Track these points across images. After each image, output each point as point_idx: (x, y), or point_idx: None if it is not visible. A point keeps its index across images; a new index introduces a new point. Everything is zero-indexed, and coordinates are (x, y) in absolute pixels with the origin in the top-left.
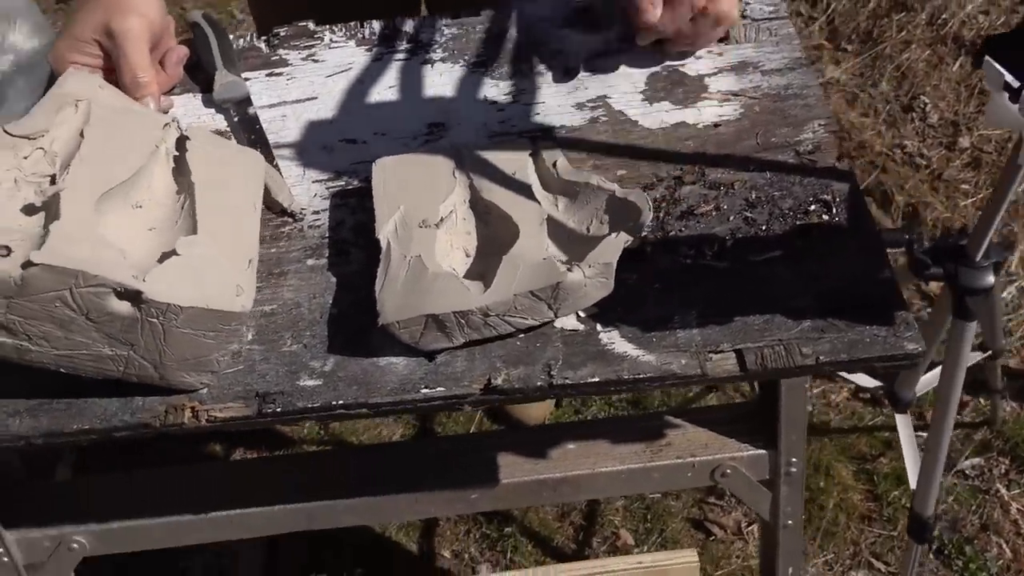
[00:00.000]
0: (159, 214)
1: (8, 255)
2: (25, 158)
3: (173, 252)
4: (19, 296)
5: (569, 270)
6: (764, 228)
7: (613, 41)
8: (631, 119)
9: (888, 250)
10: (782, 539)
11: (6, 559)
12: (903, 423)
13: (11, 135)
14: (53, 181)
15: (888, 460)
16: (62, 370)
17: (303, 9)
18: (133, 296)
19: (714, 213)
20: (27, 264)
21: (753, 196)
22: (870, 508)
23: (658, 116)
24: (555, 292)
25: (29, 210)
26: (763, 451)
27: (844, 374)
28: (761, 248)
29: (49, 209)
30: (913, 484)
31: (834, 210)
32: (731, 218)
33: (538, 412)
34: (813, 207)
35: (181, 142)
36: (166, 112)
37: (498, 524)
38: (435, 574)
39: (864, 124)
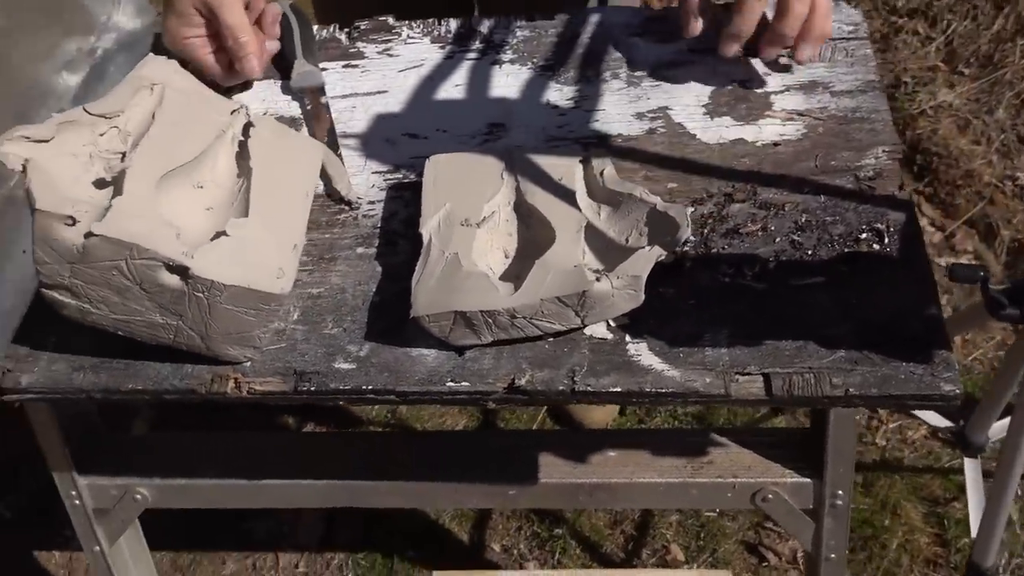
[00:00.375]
0: (218, 195)
1: (73, 224)
2: (101, 135)
3: (224, 232)
4: (81, 263)
5: (598, 279)
6: (810, 252)
7: (684, 52)
8: (689, 132)
9: (965, 285)
10: (824, 573)
11: (77, 502)
12: (971, 468)
13: (90, 113)
14: (123, 159)
15: (961, 505)
16: (119, 333)
17: (359, 5)
18: (181, 271)
19: (760, 233)
20: (88, 234)
21: (803, 219)
22: (937, 553)
23: (717, 131)
24: (582, 300)
25: (99, 184)
26: (808, 480)
27: (916, 412)
28: (804, 272)
29: (116, 184)
30: (974, 532)
31: (886, 240)
32: (777, 240)
33: (600, 417)
34: (864, 235)
35: (247, 128)
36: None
37: (549, 524)
38: (483, 565)
39: (975, 152)
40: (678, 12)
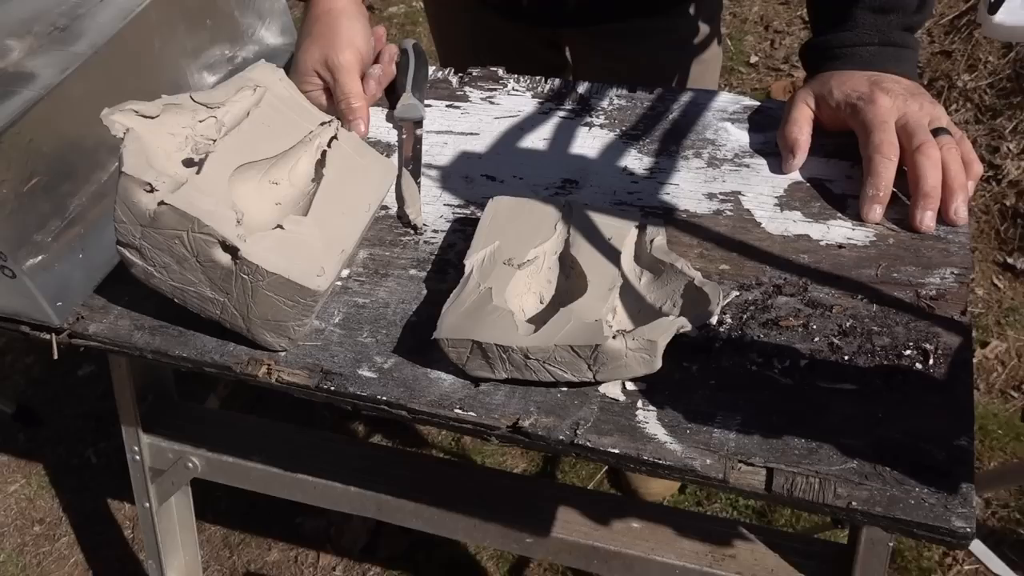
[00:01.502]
0: (289, 193)
1: (151, 192)
2: (200, 121)
3: (281, 226)
4: (150, 227)
5: (613, 337)
6: (847, 359)
7: (770, 144)
8: (755, 220)
9: None
10: None
11: (137, 458)
12: None
13: (194, 101)
14: (213, 145)
15: None
16: (175, 300)
17: (462, 51)
18: (232, 251)
19: (800, 329)
20: (160, 203)
21: (848, 324)
22: None
23: (784, 224)
24: (595, 353)
25: (187, 163)
26: None
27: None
28: (835, 376)
29: (199, 165)
30: None
31: (931, 361)
32: (816, 339)
33: (659, 490)
34: (909, 352)
35: (331, 140)
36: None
37: None
38: None
39: None
40: (776, 108)
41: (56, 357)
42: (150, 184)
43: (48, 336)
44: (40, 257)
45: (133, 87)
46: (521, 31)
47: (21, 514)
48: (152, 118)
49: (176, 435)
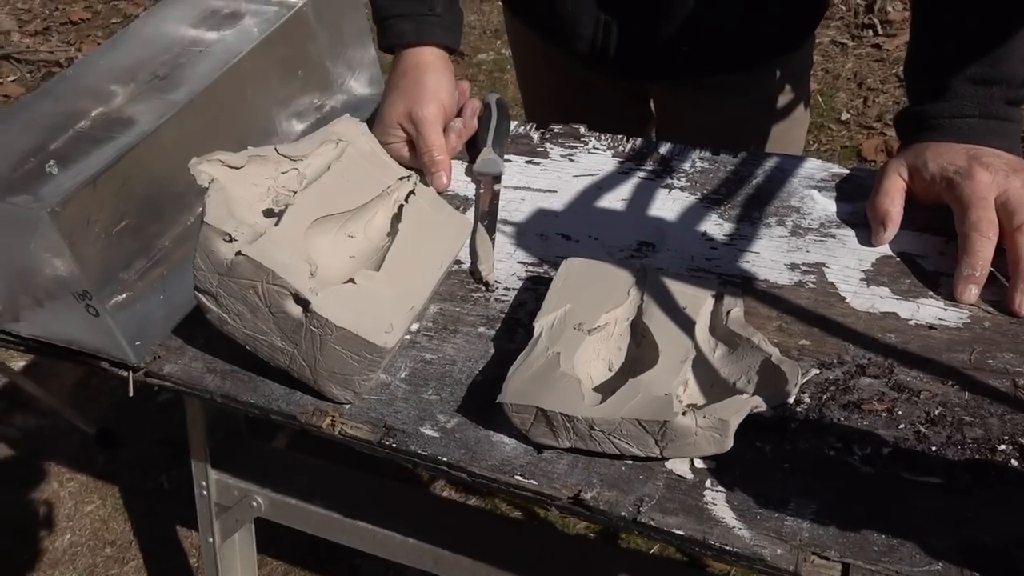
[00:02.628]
0: (364, 247)
1: (230, 241)
2: (283, 173)
3: (352, 280)
4: (227, 276)
5: (683, 413)
6: (934, 449)
7: (859, 215)
8: (840, 294)
9: None
10: None
11: (204, 492)
12: None
13: (279, 153)
14: (293, 197)
15: None
16: (247, 347)
17: (546, 98)
18: (304, 303)
19: (884, 415)
20: (238, 253)
21: (937, 412)
22: None
23: (870, 300)
24: (663, 429)
25: (267, 214)
26: None
27: None
28: (920, 468)
29: (278, 217)
30: None
31: None
32: (901, 426)
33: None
34: (1003, 447)
35: (408, 195)
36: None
37: None
38: None
39: None
40: (866, 176)
41: (132, 395)
42: (229, 234)
43: (125, 373)
44: (123, 296)
45: (224, 134)
46: (607, 82)
47: (95, 535)
48: (237, 168)
49: (243, 473)
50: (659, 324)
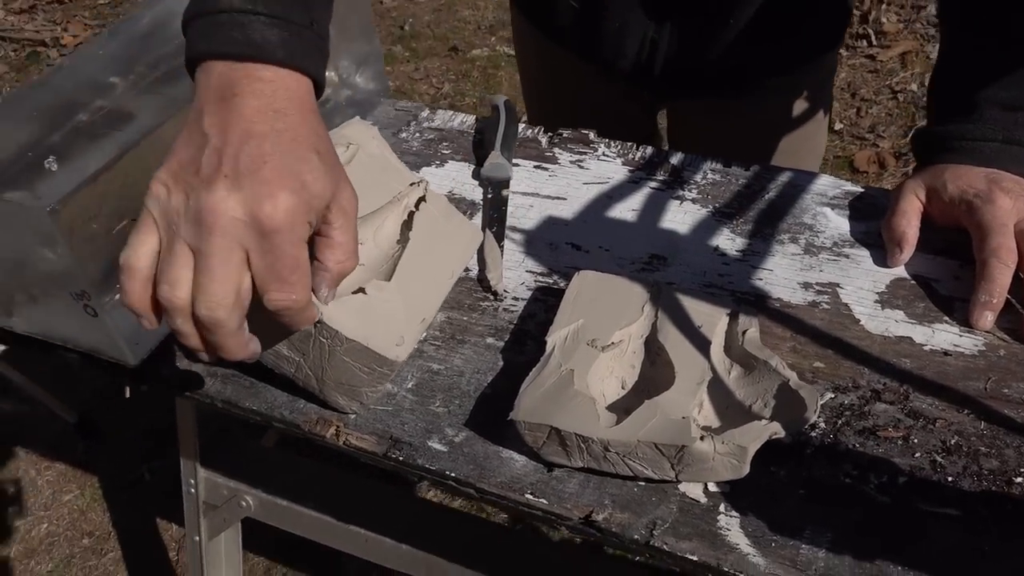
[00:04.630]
0: (374, 254)
1: None
2: None
3: (363, 290)
4: None
5: (701, 438)
6: (951, 480)
7: (873, 235)
8: (854, 316)
9: None
10: None
11: (192, 491)
12: None
13: None
14: None
15: None
16: None
17: (547, 97)
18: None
19: (900, 443)
20: None
21: (953, 442)
22: None
23: (884, 323)
24: (680, 454)
25: None
26: None
27: None
28: (937, 499)
29: None
30: None
31: None
32: (917, 455)
33: None
34: (1020, 479)
35: (419, 201)
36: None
37: None
38: None
39: None
40: (879, 196)
41: (128, 396)
42: None
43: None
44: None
45: None
46: (624, 94)
47: (72, 525)
48: None
49: (232, 472)
50: (675, 343)
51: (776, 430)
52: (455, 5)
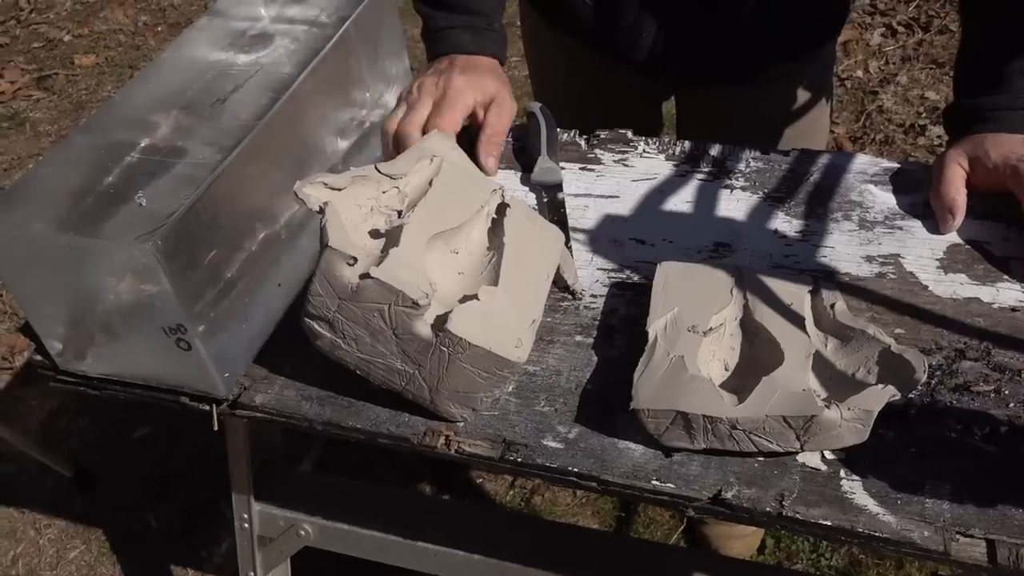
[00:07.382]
0: (469, 262)
1: (353, 264)
2: (384, 192)
3: (475, 296)
4: (350, 300)
5: (827, 407)
6: None
7: (919, 207)
8: (921, 283)
9: None
10: None
11: (246, 526)
12: None
13: (379, 172)
14: (399, 215)
15: None
16: (358, 372)
17: (557, 88)
18: (438, 323)
19: (993, 395)
20: (364, 276)
21: None
22: None
23: (951, 287)
24: (807, 424)
25: (374, 234)
26: None
27: None
28: None
29: (390, 237)
30: None
31: None
32: (1011, 404)
33: (739, 550)
34: None
35: (501, 208)
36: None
37: None
38: None
39: None
40: (918, 169)
41: (216, 429)
42: (354, 258)
43: (207, 407)
44: (210, 328)
45: (281, 156)
46: (636, 84)
47: None
48: (340, 190)
49: (287, 502)
50: (773, 322)
51: (893, 392)
52: None
